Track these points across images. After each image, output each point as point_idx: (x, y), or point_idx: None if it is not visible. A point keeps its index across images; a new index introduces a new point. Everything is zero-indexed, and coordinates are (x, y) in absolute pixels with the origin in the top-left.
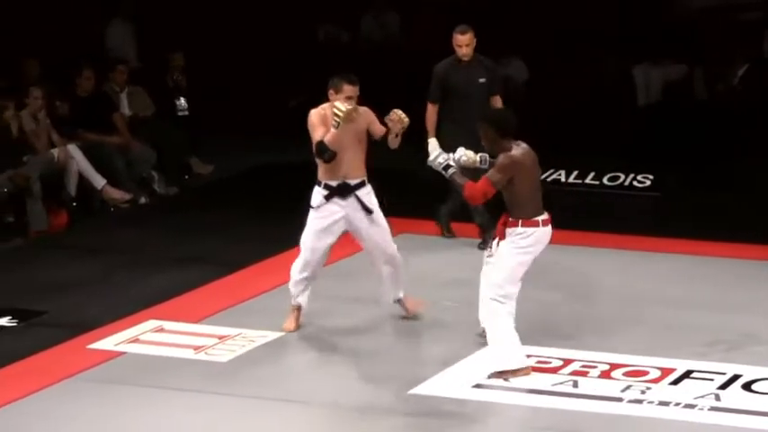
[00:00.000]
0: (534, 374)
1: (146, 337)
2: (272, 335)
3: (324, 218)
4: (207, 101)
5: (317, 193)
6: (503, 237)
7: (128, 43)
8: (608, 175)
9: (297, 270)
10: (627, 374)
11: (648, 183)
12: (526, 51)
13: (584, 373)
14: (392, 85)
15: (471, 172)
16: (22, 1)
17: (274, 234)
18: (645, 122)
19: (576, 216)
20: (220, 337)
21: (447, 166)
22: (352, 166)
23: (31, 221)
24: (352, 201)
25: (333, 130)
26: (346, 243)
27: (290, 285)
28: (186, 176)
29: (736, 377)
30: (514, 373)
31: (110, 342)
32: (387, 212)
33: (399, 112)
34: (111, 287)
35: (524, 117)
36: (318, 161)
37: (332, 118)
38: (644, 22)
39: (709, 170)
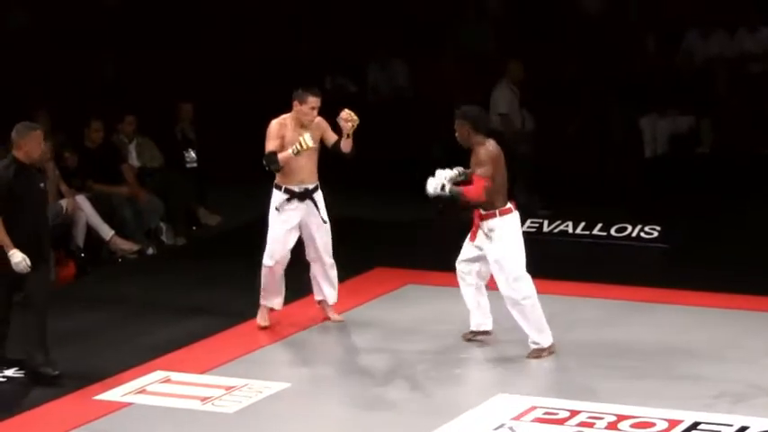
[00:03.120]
0: (541, 426)
1: (153, 388)
2: (280, 386)
3: (286, 219)
4: (214, 151)
5: (278, 196)
6: (475, 235)
7: (515, 109)
8: (615, 227)
9: (264, 275)
10: (634, 426)
11: (656, 234)
12: (533, 102)
13: (590, 425)
14: (399, 133)
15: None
16: (32, 53)
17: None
18: (652, 174)
19: (584, 267)
20: (227, 388)
21: (443, 186)
22: (308, 172)
23: None
24: (309, 203)
25: (289, 152)
26: (350, 296)
27: (263, 285)
28: (194, 227)
29: (743, 429)
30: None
31: (117, 393)
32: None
33: (349, 111)
34: (118, 338)
35: (532, 168)
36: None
37: (301, 129)
38: (651, 73)
39: (717, 222)
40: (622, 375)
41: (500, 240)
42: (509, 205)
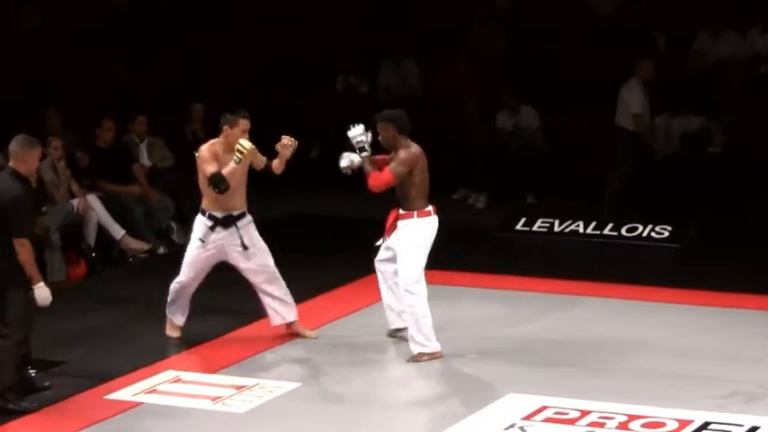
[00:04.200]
0: (552, 426)
1: (163, 388)
2: (290, 385)
3: (206, 247)
4: None
5: (201, 223)
6: (392, 231)
7: (646, 107)
8: (626, 226)
9: (174, 290)
10: (645, 426)
11: (667, 234)
12: (545, 101)
13: (601, 425)
14: (411, 134)
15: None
16: (45, 53)
17: (293, 285)
18: (663, 174)
19: (594, 267)
20: (238, 388)
21: (363, 149)
22: (237, 198)
23: (49, 272)
24: (232, 230)
25: (233, 164)
26: (362, 295)
27: (168, 304)
28: None
29: (754, 429)
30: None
31: (127, 392)
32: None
33: (289, 137)
34: (129, 337)
35: (543, 168)
36: (207, 193)
37: (234, 153)
38: (664, 73)
39: (727, 222)
40: (633, 375)
41: (410, 241)
42: (429, 208)
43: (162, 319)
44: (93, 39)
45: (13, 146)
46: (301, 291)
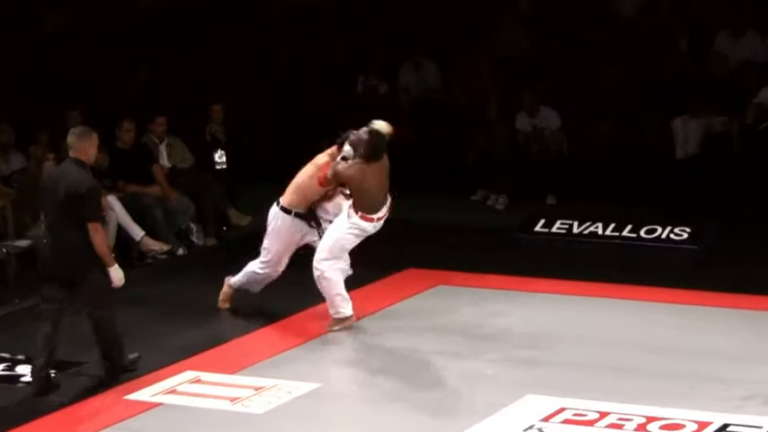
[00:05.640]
0: (570, 427)
1: (183, 388)
2: (309, 386)
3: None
4: (246, 152)
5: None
6: None
7: None
8: (645, 228)
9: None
10: (663, 428)
11: (686, 236)
12: (565, 102)
13: (619, 426)
14: (430, 134)
15: None
16: (65, 54)
17: (311, 286)
18: (683, 175)
19: (613, 269)
20: (257, 389)
21: None
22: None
23: None
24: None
25: None
26: (381, 296)
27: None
28: (224, 228)
29: None
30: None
31: (147, 393)
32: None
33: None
34: (148, 338)
35: (563, 170)
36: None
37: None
38: (683, 74)
39: (747, 223)
40: (651, 377)
41: (336, 221)
42: (371, 215)
43: (181, 319)
44: (113, 40)
45: (72, 139)
46: (306, 297)
